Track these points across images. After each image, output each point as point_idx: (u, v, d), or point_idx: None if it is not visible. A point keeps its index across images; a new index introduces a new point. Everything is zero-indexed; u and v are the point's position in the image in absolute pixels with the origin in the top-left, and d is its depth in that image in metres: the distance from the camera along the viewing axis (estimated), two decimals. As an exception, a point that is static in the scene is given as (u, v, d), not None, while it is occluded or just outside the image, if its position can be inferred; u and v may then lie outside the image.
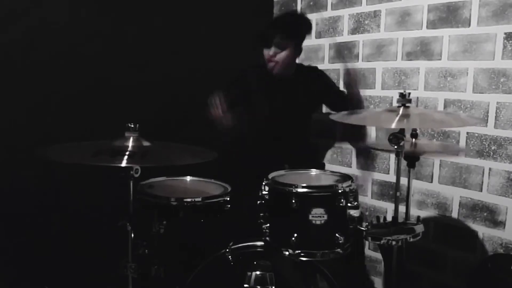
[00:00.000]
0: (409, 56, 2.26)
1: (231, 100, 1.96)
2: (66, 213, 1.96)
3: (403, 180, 1.54)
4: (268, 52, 2.06)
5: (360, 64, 2.48)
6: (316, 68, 2.36)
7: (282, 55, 2.06)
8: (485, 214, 2.04)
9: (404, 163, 1.57)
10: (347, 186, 1.54)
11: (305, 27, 2.17)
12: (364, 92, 2.42)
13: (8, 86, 1.85)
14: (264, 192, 1.58)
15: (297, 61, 2.27)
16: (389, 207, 2.39)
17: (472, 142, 2.07)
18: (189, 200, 1.59)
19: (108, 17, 2.10)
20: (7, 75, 1.85)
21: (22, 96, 1.89)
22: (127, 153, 1.39)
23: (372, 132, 2.46)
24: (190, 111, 2.37)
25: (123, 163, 1.33)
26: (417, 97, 2.21)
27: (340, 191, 1.52)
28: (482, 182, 2.04)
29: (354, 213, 1.55)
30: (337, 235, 1.50)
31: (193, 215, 1.60)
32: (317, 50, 2.66)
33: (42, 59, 1.92)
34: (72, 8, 1.99)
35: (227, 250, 1.65)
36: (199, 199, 1.60)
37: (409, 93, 1.52)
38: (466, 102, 2.07)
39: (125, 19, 2.15)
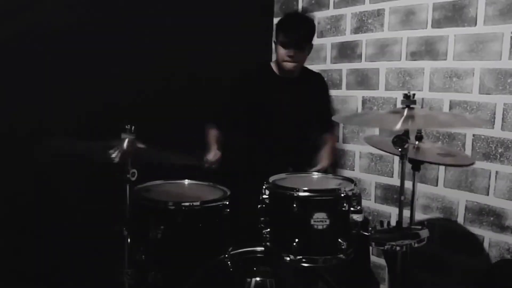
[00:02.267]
0: (414, 56, 2.23)
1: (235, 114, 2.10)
2: (62, 218, 1.93)
3: (408, 184, 1.51)
4: (288, 52, 2.03)
5: (363, 64, 2.45)
6: (320, 74, 2.36)
7: (301, 55, 2.07)
8: (491, 218, 2.00)
9: (408, 166, 1.54)
10: (349, 190, 1.52)
11: (315, 25, 2.18)
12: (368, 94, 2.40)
13: (5, 86, 1.83)
14: (264, 196, 1.55)
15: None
16: (393, 211, 2.36)
17: (478, 144, 2.03)
18: (187, 204, 1.56)
19: (108, 17, 2.07)
20: (5, 75, 1.83)
21: (20, 96, 1.87)
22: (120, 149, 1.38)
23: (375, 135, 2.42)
24: (191, 112, 2.35)
25: (114, 155, 1.33)
26: (422, 98, 2.17)
27: (342, 195, 1.50)
28: (489, 186, 2.00)
29: (357, 217, 1.53)
30: (339, 240, 1.47)
31: (191, 219, 1.57)
32: (319, 50, 2.62)
33: (41, 59, 1.90)
34: (72, 7, 1.97)
35: (226, 255, 1.62)
36: (198, 203, 1.57)
37: (414, 94, 1.48)
38: (472, 103, 2.04)
39: (125, 19, 2.13)
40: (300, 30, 2.04)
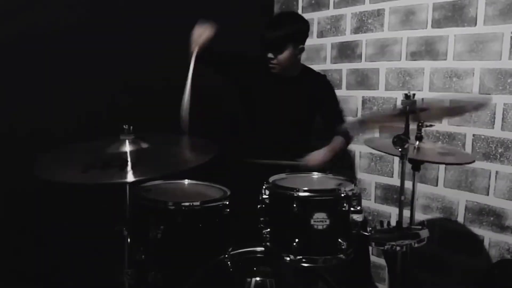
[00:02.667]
0: (414, 56, 2.23)
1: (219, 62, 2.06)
2: (62, 218, 1.93)
3: (408, 184, 1.52)
4: (267, 55, 2.03)
5: (363, 64, 2.45)
6: (324, 76, 2.31)
7: (280, 57, 2.02)
8: (491, 218, 2.00)
9: (408, 166, 1.55)
10: (349, 190, 1.51)
11: (301, 25, 2.09)
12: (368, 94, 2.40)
13: (5, 86, 1.83)
14: (264, 196, 1.55)
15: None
16: (393, 211, 2.36)
17: (478, 144, 2.03)
18: (187, 204, 1.55)
19: (108, 17, 2.07)
20: (5, 75, 1.82)
21: (20, 96, 1.87)
22: (121, 163, 1.33)
23: (375, 135, 2.41)
24: (191, 112, 2.34)
25: (128, 179, 1.28)
26: (422, 98, 2.15)
27: (342, 195, 1.49)
28: (489, 186, 2.01)
29: (357, 217, 1.52)
30: (339, 240, 1.46)
31: (191, 219, 1.56)
32: (319, 50, 2.63)
33: (41, 59, 1.90)
34: (72, 7, 1.97)
35: (226, 255, 1.61)
36: (198, 203, 1.56)
37: (414, 94, 1.48)
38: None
39: (125, 19, 2.13)
40: (273, 32, 2.00)
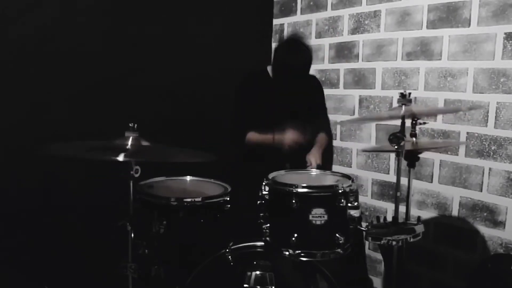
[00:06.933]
0: (409, 56, 2.26)
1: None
2: (66, 213, 1.95)
3: (403, 180, 1.53)
4: None
5: (360, 64, 2.48)
6: (314, 77, 2.41)
7: None
8: (485, 214, 2.04)
9: (404, 163, 1.56)
10: (347, 186, 1.54)
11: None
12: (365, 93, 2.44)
13: (9, 86, 1.85)
14: (264, 192, 1.58)
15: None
16: (389, 207, 2.39)
17: (472, 142, 2.07)
18: (189, 200, 1.59)
19: (109, 18, 2.10)
20: (8, 75, 1.85)
21: (22, 96, 1.89)
22: (123, 149, 1.39)
23: (372, 133, 2.46)
24: (191, 112, 2.38)
25: (120, 158, 1.34)
26: (415, 97, 2.19)
27: (340, 191, 1.52)
28: (482, 182, 2.04)
29: (354, 213, 1.55)
30: (337, 235, 1.50)
31: (193, 215, 1.60)
32: (317, 50, 2.66)
33: (42, 59, 1.92)
34: (72, 8, 1.99)
35: (227, 250, 1.65)
36: (199, 199, 1.60)
37: (410, 93, 1.52)
38: (466, 102, 2.08)
39: (125, 20, 2.15)
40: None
